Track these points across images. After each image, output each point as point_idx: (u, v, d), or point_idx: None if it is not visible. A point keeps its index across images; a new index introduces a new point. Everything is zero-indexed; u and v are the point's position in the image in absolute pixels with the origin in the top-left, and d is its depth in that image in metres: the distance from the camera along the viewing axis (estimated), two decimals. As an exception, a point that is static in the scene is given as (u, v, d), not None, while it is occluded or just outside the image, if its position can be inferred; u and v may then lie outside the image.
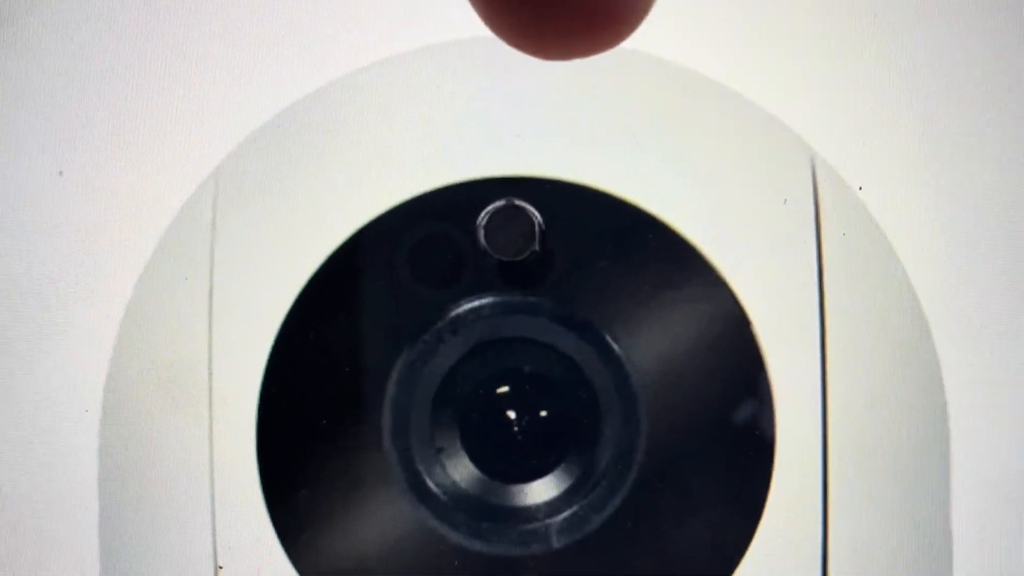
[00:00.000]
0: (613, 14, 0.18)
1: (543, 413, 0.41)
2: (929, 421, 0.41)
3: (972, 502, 0.41)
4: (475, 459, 0.41)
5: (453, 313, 0.41)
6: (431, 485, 0.41)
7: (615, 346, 0.41)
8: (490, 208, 0.40)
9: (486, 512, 0.40)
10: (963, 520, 0.41)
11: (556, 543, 0.40)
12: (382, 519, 0.41)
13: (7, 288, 0.41)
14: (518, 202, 0.40)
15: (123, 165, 0.41)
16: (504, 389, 0.41)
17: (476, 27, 0.41)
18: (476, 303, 0.41)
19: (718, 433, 0.41)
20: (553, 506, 0.41)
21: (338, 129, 0.41)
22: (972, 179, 0.41)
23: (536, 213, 0.40)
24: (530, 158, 0.41)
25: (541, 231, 0.40)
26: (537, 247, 0.40)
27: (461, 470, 0.41)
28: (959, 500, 0.41)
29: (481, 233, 0.40)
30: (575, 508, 0.41)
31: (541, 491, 0.41)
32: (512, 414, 0.41)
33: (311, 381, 0.41)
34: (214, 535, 0.40)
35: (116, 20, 0.41)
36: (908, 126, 0.41)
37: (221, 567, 0.40)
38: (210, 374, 0.41)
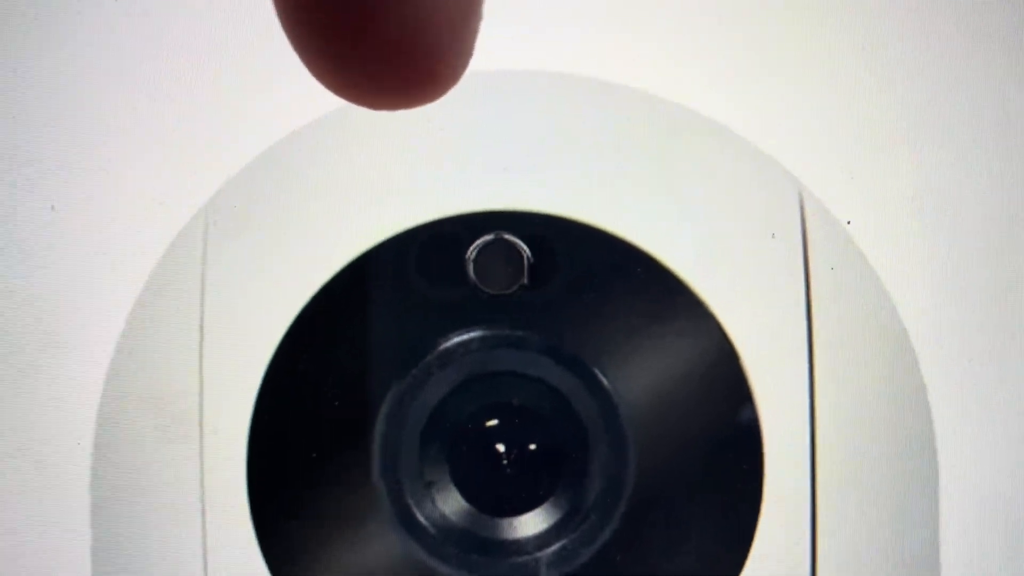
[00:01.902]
0: (427, 69, 0.19)
1: (532, 446, 0.41)
2: (917, 451, 0.41)
3: (960, 530, 0.41)
4: (464, 492, 0.41)
5: (442, 347, 0.41)
6: (420, 518, 0.41)
7: (604, 379, 0.41)
8: (479, 242, 0.40)
9: (475, 545, 0.41)
10: (952, 548, 0.41)
11: (545, 576, 0.41)
12: (372, 552, 0.41)
13: (-1, 322, 0.41)
14: (507, 236, 0.40)
15: (114, 199, 0.41)
16: (493, 423, 0.41)
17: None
18: (465, 337, 0.41)
19: (707, 465, 0.41)
20: (542, 539, 0.41)
21: (327, 163, 0.41)
22: (959, 214, 0.41)
23: (525, 247, 0.40)
24: (519, 192, 0.41)
25: (530, 265, 0.40)
26: (526, 281, 0.40)
27: (450, 503, 0.41)
28: (947, 528, 0.41)
29: (470, 267, 0.40)
30: (564, 541, 0.41)
31: (530, 524, 0.41)
32: (501, 447, 0.41)
33: (301, 414, 0.41)
34: (205, 566, 0.41)
35: (107, 57, 0.42)
36: (896, 161, 0.41)
37: (212, 598, 0.41)
38: (201, 406, 0.41)
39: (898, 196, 0.41)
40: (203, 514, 0.41)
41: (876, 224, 0.41)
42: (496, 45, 0.41)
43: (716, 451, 0.41)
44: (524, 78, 0.42)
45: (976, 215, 0.41)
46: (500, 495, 0.41)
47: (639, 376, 0.41)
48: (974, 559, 0.41)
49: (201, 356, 0.41)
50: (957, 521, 0.41)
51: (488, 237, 0.40)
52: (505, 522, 0.41)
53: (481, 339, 0.41)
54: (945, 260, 0.41)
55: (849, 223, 0.41)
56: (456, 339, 0.41)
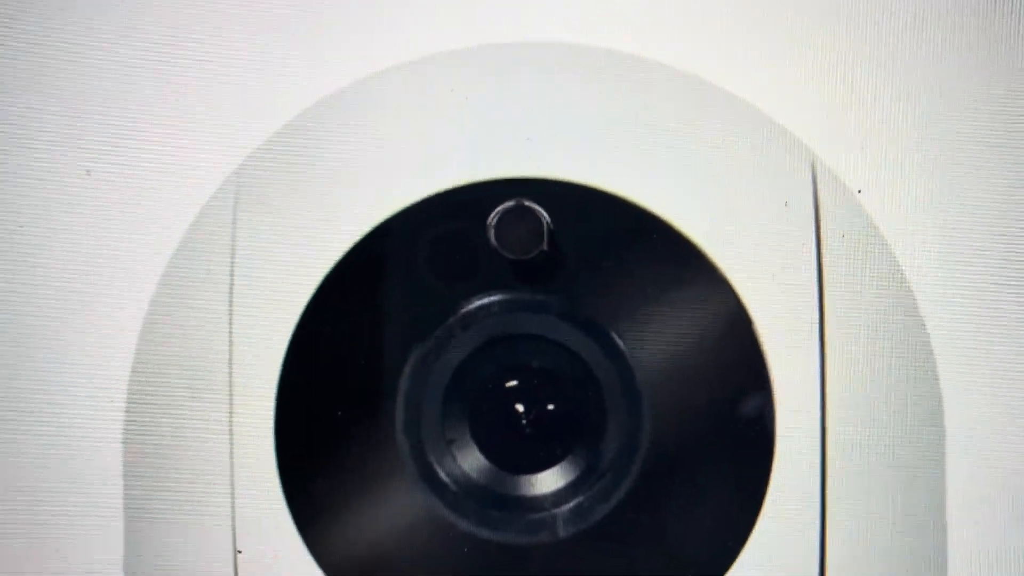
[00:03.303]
0: None
1: (550, 407, 0.42)
2: (925, 417, 0.42)
3: (966, 494, 0.42)
4: (484, 450, 0.42)
5: (464, 310, 0.42)
6: (442, 475, 0.42)
7: (620, 343, 0.42)
8: (500, 208, 0.41)
9: (495, 501, 0.42)
10: (957, 512, 0.42)
11: (562, 532, 0.42)
12: (394, 507, 0.42)
13: (36, 283, 0.42)
14: (528, 202, 0.41)
15: (148, 165, 0.42)
16: (513, 383, 0.42)
17: (486, 36, 0.42)
18: (486, 300, 0.42)
19: (720, 427, 0.42)
20: (560, 496, 0.42)
21: (354, 131, 0.42)
22: (968, 183, 0.42)
23: (545, 213, 0.41)
24: (540, 160, 0.42)
25: (550, 231, 0.41)
26: (545, 246, 0.41)
27: (471, 461, 0.42)
28: (953, 492, 0.42)
29: (491, 232, 0.41)
30: (581, 498, 0.42)
31: (548, 481, 0.42)
32: (520, 407, 0.42)
33: (327, 374, 0.42)
34: (233, 520, 0.42)
35: (142, 25, 0.43)
36: (906, 132, 0.42)
37: (240, 551, 0.42)
38: (230, 366, 0.42)
39: (908, 165, 0.42)
40: (232, 470, 0.42)
41: (886, 193, 0.42)
42: (519, 17, 0.42)
43: (729, 413, 0.42)
44: (545, 50, 0.43)
45: (985, 184, 0.42)
46: (519, 453, 0.42)
47: (655, 339, 0.42)
48: (980, 521, 0.42)
49: (231, 317, 0.42)
50: (963, 485, 0.42)
51: (509, 203, 0.41)
52: (523, 479, 0.42)
53: (502, 303, 0.42)
54: (954, 228, 0.42)
55: (860, 192, 0.42)
56: (477, 302, 0.42)
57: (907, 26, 0.42)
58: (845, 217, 0.42)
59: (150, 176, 0.42)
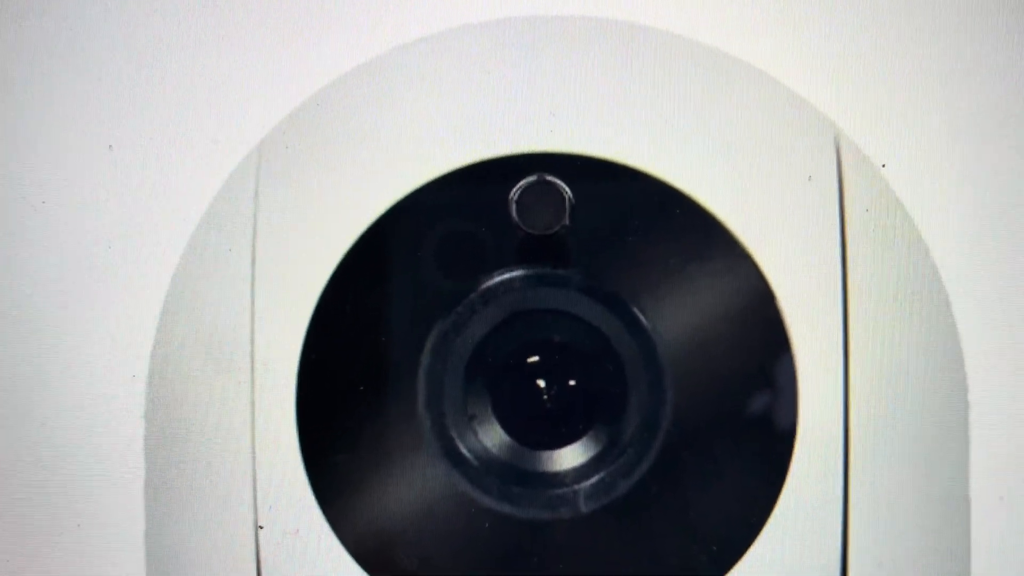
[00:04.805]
0: None
1: (572, 382, 0.42)
2: (948, 392, 0.42)
3: (989, 469, 0.42)
4: (506, 426, 0.42)
5: (485, 285, 0.42)
6: (463, 450, 0.42)
7: (642, 318, 0.42)
8: (522, 183, 0.41)
9: (516, 477, 0.42)
10: (980, 489, 0.42)
11: (584, 507, 0.42)
12: (416, 483, 0.42)
13: (58, 258, 0.42)
14: (549, 177, 0.41)
15: (170, 140, 0.43)
16: (534, 359, 0.42)
17: (511, 9, 0.42)
18: (507, 276, 0.42)
19: (742, 403, 0.42)
20: (581, 472, 0.42)
21: (377, 105, 0.42)
22: (992, 157, 0.42)
23: (567, 188, 0.41)
24: (562, 135, 0.42)
25: (571, 206, 0.41)
26: (567, 221, 0.41)
27: (492, 436, 0.42)
28: (977, 469, 0.42)
29: (513, 208, 0.41)
30: (602, 474, 0.42)
31: (570, 457, 0.42)
32: (542, 383, 0.42)
33: (349, 349, 0.42)
34: (255, 496, 0.42)
35: (162, 1, 0.43)
36: (930, 106, 0.42)
37: (261, 527, 0.42)
38: (252, 341, 0.42)
39: (932, 140, 0.42)
40: (253, 446, 0.42)
41: (910, 167, 0.42)
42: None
43: (751, 389, 0.42)
44: (570, 23, 0.42)
45: (1009, 160, 0.42)
46: (541, 429, 0.42)
47: (677, 315, 0.42)
48: (1003, 497, 0.42)
49: (253, 292, 0.42)
50: (987, 460, 0.42)
51: (531, 178, 0.41)
52: (545, 455, 0.42)
53: (523, 278, 0.42)
54: (978, 203, 0.42)
55: (884, 166, 0.42)
56: (499, 278, 0.42)
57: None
58: (869, 191, 0.42)
59: (172, 150, 0.43)
